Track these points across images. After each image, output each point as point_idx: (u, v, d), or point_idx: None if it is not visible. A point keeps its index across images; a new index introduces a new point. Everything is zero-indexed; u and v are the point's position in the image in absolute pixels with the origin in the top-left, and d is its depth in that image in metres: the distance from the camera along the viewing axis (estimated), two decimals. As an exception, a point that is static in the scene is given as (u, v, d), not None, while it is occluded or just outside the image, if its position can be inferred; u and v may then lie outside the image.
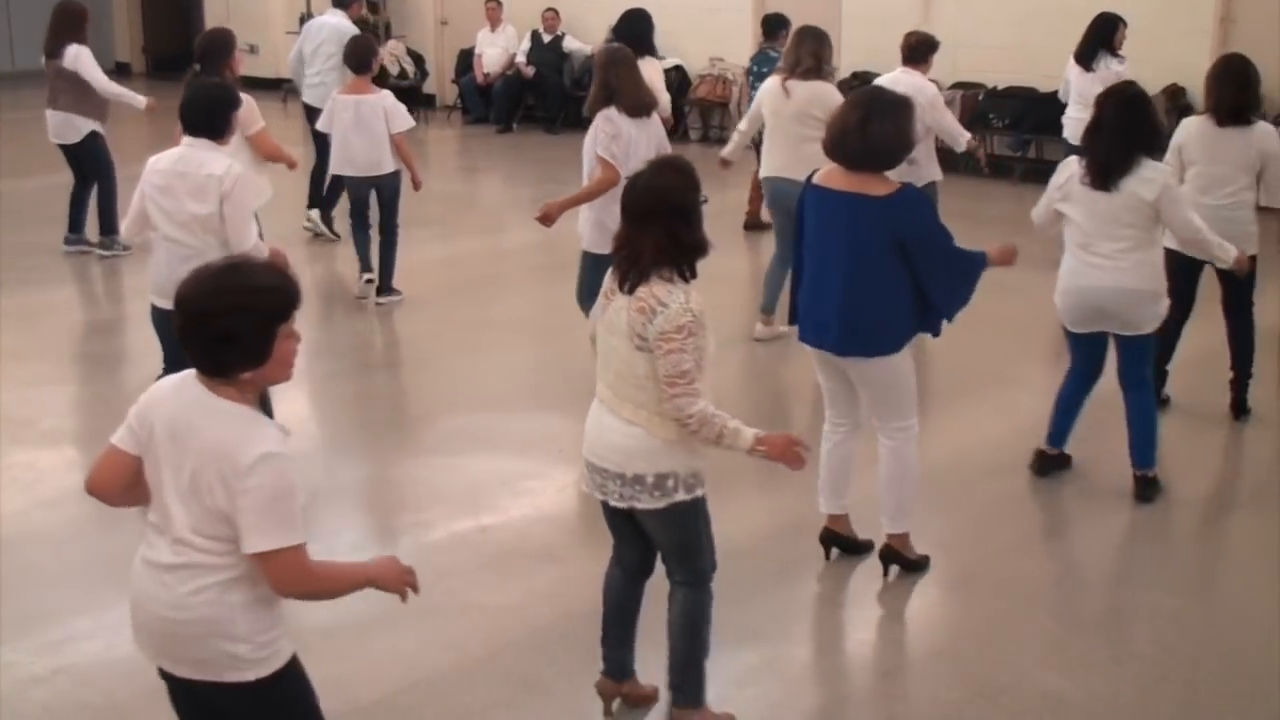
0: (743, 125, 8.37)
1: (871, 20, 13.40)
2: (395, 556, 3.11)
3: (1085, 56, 9.75)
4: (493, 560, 5.34)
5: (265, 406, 3.22)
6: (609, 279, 3.90)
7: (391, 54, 17.02)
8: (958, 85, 13.72)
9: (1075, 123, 9.11)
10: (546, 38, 16.22)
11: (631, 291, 3.74)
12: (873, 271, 4.74)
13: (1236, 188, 6.60)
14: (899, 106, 4.79)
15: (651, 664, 4.34)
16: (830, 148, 4.85)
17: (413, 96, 17.06)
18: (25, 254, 9.91)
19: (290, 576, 2.89)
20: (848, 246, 4.77)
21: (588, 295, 6.70)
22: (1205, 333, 7.32)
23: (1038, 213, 5.99)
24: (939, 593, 5.23)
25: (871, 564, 5.30)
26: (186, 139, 5.58)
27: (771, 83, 7.80)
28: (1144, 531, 5.79)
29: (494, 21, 16.51)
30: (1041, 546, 5.64)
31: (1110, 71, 9.65)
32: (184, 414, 2.91)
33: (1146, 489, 5.94)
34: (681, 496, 3.84)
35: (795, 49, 7.65)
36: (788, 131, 7.65)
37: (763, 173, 7.93)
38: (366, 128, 8.51)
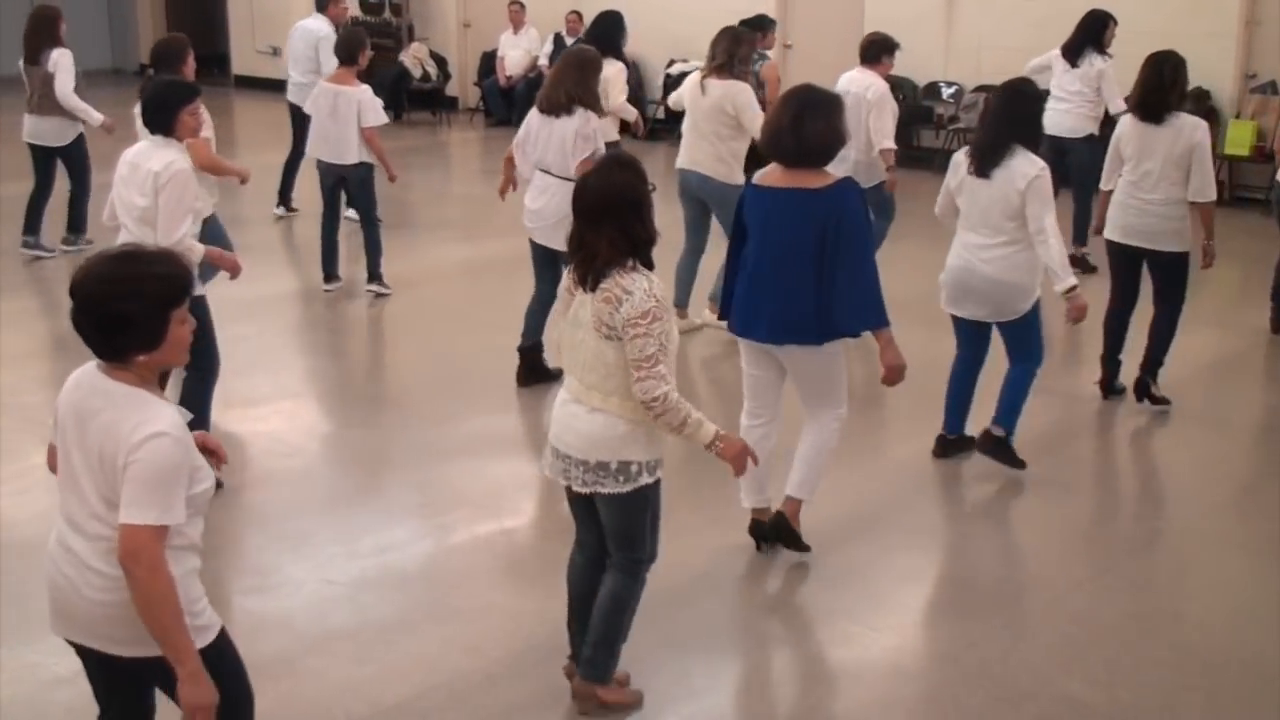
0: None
1: (894, 23, 13.29)
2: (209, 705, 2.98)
3: (1073, 52, 9.69)
4: (514, 563, 5.36)
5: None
6: (568, 276, 3.98)
7: (414, 56, 17.07)
8: (981, 88, 13.69)
9: (1050, 114, 9.07)
10: (569, 40, 16.21)
11: (594, 288, 3.83)
12: (808, 263, 4.81)
13: (1167, 183, 6.64)
14: (829, 103, 4.91)
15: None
16: (767, 146, 4.97)
17: (435, 99, 17.14)
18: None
19: (137, 548, 2.88)
20: (784, 241, 4.85)
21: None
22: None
23: (940, 205, 6.12)
24: (960, 597, 5.22)
25: (884, 568, 5.30)
26: (148, 136, 5.77)
27: (694, 77, 7.97)
28: (1163, 537, 5.77)
29: (517, 24, 16.55)
30: (1062, 551, 5.61)
31: (1094, 69, 9.59)
32: (86, 400, 3.02)
33: (992, 444, 6.09)
34: (645, 480, 3.95)
35: (713, 46, 7.83)
36: (701, 128, 7.83)
37: (677, 163, 8.09)
38: (340, 118, 8.80)
